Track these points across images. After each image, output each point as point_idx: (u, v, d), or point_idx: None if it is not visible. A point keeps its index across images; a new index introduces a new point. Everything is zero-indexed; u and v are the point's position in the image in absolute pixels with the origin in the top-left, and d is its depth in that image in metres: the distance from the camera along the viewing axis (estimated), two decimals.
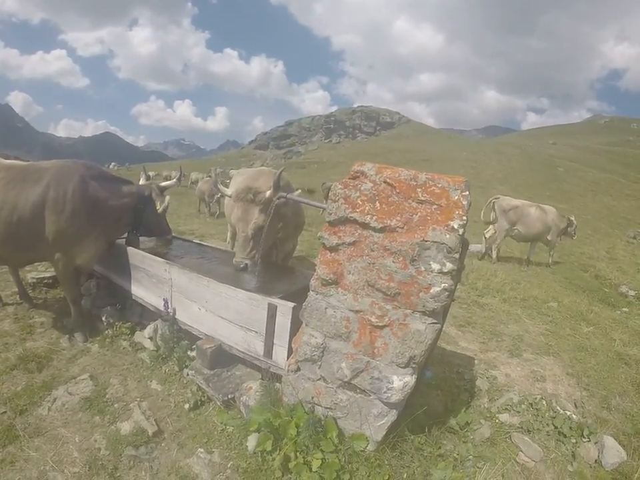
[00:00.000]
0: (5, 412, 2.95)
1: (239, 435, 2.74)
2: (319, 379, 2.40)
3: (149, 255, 3.68)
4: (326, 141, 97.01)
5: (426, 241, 1.92)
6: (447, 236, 1.88)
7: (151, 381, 3.35)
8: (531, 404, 3.33)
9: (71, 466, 2.55)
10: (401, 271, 1.98)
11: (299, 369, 2.46)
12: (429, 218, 1.93)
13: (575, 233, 10.37)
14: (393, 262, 2.00)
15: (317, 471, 2.33)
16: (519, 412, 3.24)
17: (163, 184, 4.19)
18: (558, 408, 3.34)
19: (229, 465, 2.56)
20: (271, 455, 2.46)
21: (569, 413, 3.29)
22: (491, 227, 9.61)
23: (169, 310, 3.39)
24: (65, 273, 3.81)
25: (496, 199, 9.56)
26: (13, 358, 3.58)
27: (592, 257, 12.19)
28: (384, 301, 2.07)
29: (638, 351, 4.87)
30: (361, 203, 2.07)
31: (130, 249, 3.88)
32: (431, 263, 1.92)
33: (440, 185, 1.95)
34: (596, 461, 2.88)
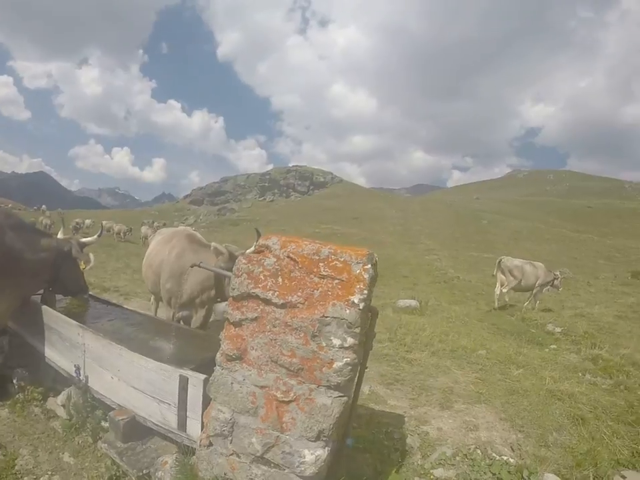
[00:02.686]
0: None
1: None
2: (231, 454, 2.38)
3: (62, 316, 3.58)
4: (260, 199, 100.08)
5: (326, 317, 1.99)
6: (347, 311, 1.97)
7: (63, 453, 3.19)
8: (465, 455, 3.40)
9: None
10: (303, 346, 2.04)
11: (211, 444, 2.43)
12: (329, 293, 2.01)
13: (560, 286, 12.48)
14: (295, 338, 2.06)
15: None
16: (453, 465, 3.29)
17: (84, 240, 4.12)
18: (494, 454, 3.44)
19: None
20: None
21: (505, 458, 3.39)
22: (497, 283, 11.76)
23: (81, 377, 3.29)
24: None
25: (500, 260, 11.82)
26: None
27: (518, 300, 13.15)
28: (288, 377, 2.11)
29: (569, 385, 5.17)
30: (263, 278, 2.14)
31: (45, 308, 3.76)
32: (332, 338, 1.99)
33: (342, 259, 2.04)
34: None
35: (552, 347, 7.77)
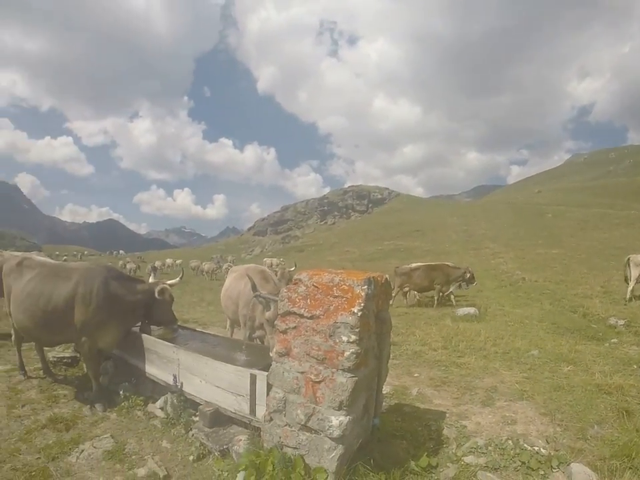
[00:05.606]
0: (39, 457, 4.32)
1: (231, 476, 3.96)
2: (285, 425, 3.81)
3: (159, 340, 5.29)
4: (321, 223, 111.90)
5: (337, 322, 3.44)
6: (350, 318, 3.40)
7: (162, 441, 4.73)
8: (497, 445, 4.13)
9: None
10: (325, 343, 3.50)
11: (271, 419, 3.89)
12: (339, 307, 3.47)
13: None
14: (319, 338, 3.52)
15: None
16: (484, 453, 4.03)
17: (169, 282, 5.79)
18: (525, 445, 4.08)
19: None
20: None
21: (537, 449, 4.01)
22: (631, 279, 13.06)
23: (177, 383, 4.89)
24: (89, 353, 5.39)
25: (628, 258, 13.29)
26: (43, 419, 5.08)
27: (586, 296, 13.62)
28: (318, 364, 3.56)
29: (619, 378, 5.72)
30: (298, 300, 3.66)
31: (144, 336, 5.50)
32: (342, 336, 3.42)
33: (348, 284, 3.50)
34: None
35: (613, 341, 8.36)
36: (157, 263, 40.68)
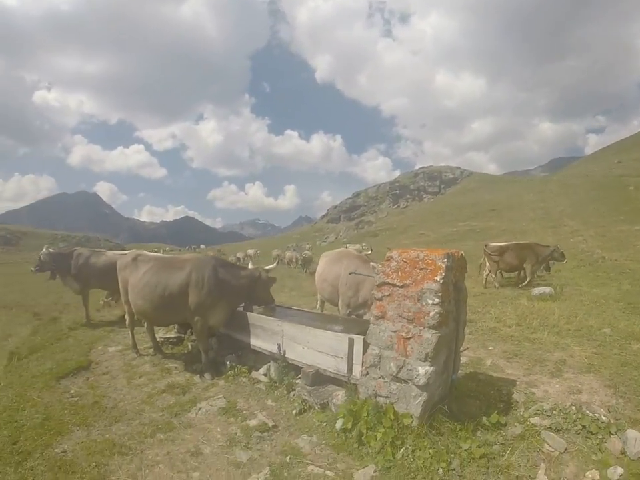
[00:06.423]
0: (163, 414, 5.34)
1: (330, 426, 4.75)
2: (379, 377, 4.76)
3: (264, 316, 6.40)
4: (394, 206, 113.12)
5: (424, 289, 4.39)
6: (434, 285, 4.35)
7: (267, 400, 5.70)
8: (561, 410, 4.59)
9: (216, 442, 4.66)
10: (414, 306, 4.45)
11: (367, 373, 4.86)
12: (425, 277, 4.42)
13: None
14: (409, 302, 4.49)
15: (380, 439, 4.27)
16: (549, 416, 4.52)
17: (268, 267, 6.90)
18: (587, 412, 4.46)
19: (322, 442, 4.58)
20: (351, 433, 4.52)
21: (598, 416, 4.36)
22: None
23: (280, 351, 5.96)
24: (201, 330, 6.53)
25: None
26: (161, 386, 6.17)
27: None
28: (408, 323, 4.51)
29: None
30: (391, 273, 4.66)
31: (249, 313, 6.64)
32: (428, 300, 4.37)
33: (431, 258, 4.46)
34: (622, 452, 3.92)
35: None
36: (239, 254, 43.16)
